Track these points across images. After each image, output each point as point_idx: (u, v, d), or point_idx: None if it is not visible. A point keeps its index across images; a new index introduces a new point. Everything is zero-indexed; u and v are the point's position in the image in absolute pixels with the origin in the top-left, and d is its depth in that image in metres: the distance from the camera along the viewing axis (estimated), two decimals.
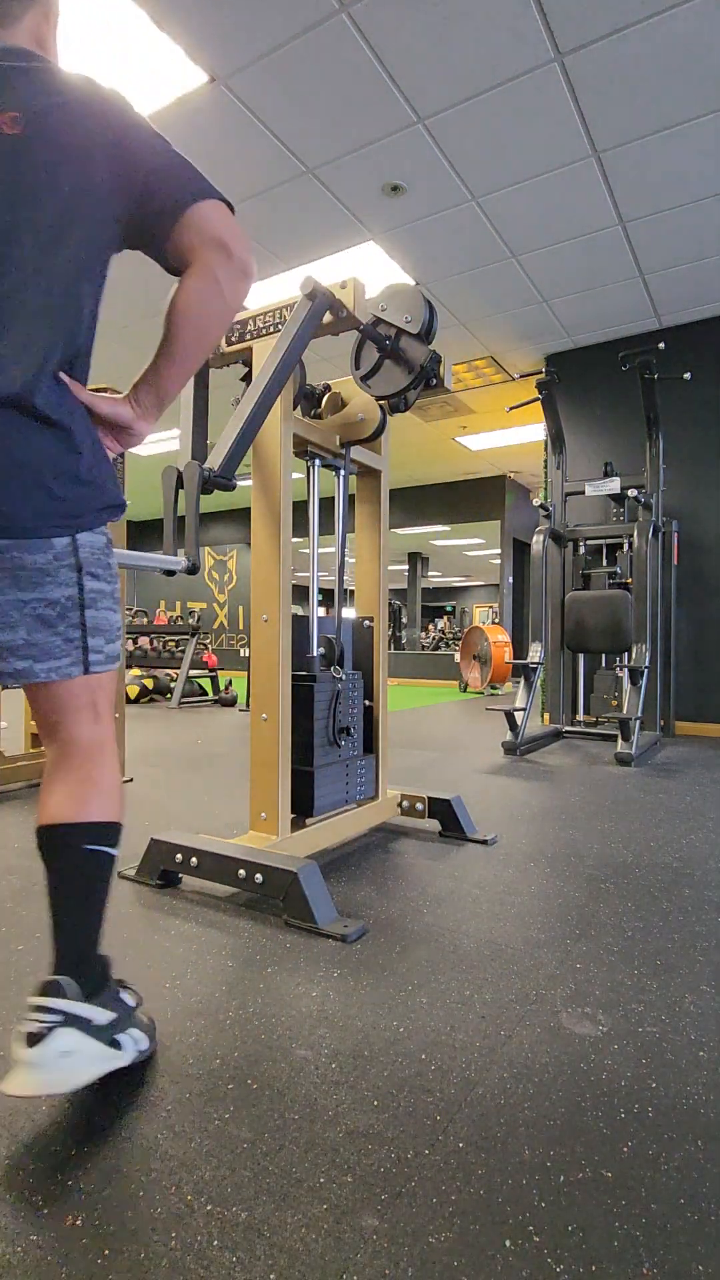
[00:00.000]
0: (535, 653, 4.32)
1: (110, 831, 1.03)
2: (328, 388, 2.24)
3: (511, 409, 5.09)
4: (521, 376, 5.11)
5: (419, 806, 2.39)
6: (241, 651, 11.12)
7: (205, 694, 7.09)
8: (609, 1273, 0.73)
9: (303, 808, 2.00)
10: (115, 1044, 0.99)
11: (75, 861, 1.00)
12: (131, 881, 1.86)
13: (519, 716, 4.04)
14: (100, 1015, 0.97)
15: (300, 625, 2.07)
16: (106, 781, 1.05)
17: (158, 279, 4.34)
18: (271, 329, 1.91)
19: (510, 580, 10.39)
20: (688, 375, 4.27)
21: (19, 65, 0.95)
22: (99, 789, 1.03)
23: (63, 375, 0.94)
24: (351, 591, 5.70)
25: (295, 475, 1.95)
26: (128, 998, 1.06)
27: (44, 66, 0.96)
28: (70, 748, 1.04)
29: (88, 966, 0.99)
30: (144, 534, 13.11)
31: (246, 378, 2.01)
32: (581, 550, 4.88)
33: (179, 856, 1.77)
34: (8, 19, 1.01)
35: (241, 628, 12.56)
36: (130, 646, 7.67)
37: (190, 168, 1.01)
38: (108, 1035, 0.98)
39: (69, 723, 1.03)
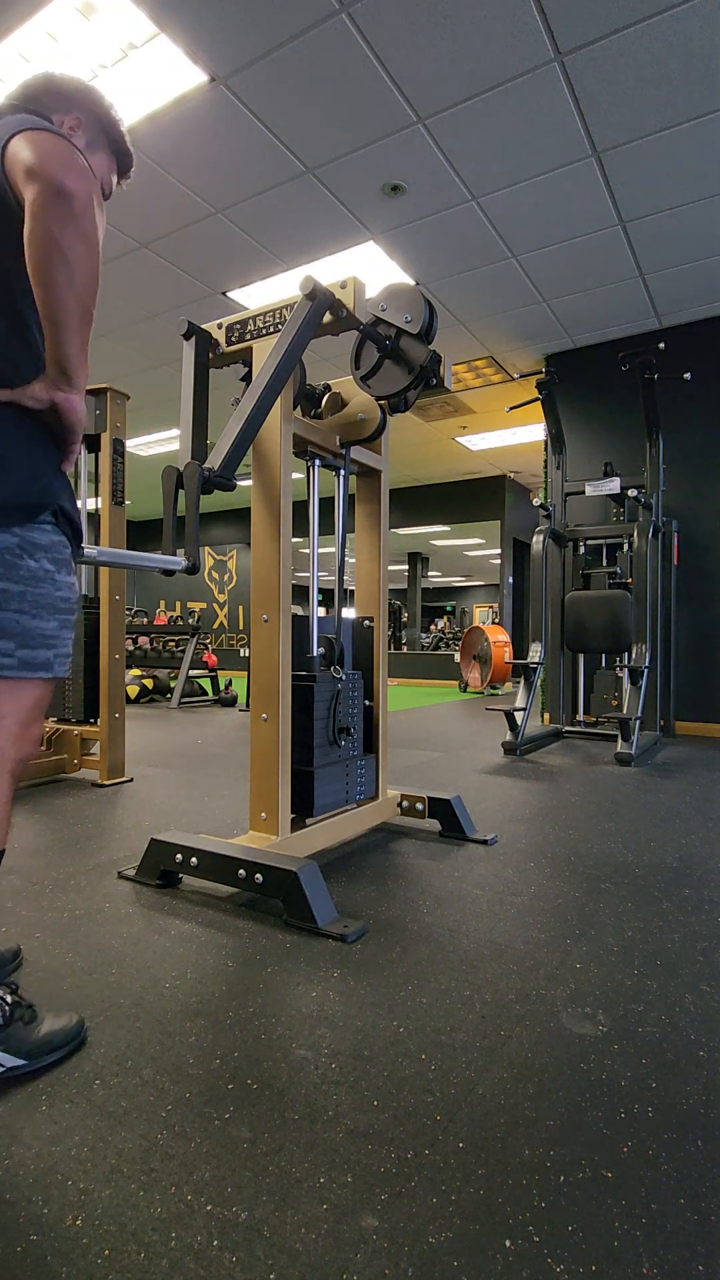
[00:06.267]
0: (535, 653, 4.32)
1: None
2: (328, 388, 2.24)
3: (511, 409, 5.09)
4: (521, 376, 5.11)
5: (419, 806, 2.39)
6: (241, 651, 11.12)
7: (205, 694, 7.10)
8: (609, 1273, 0.73)
9: (303, 808, 2.00)
10: None
11: None
12: (131, 881, 1.86)
13: (519, 716, 4.04)
14: None
15: (300, 625, 2.07)
16: None
17: (156, 279, 4.35)
18: (271, 329, 1.91)
19: (510, 580, 10.39)
20: (688, 375, 4.27)
21: None
22: None
23: None
24: (351, 591, 5.70)
25: (295, 475, 1.95)
26: None
27: None
28: None
29: None
30: (144, 534, 13.12)
31: (246, 378, 2.01)
32: (581, 550, 4.89)
33: (179, 856, 1.77)
34: None
35: (241, 628, 12.56)
36: (130, 646, 7.67)
37: (11, 122, 0.95)
38: None
39: None
